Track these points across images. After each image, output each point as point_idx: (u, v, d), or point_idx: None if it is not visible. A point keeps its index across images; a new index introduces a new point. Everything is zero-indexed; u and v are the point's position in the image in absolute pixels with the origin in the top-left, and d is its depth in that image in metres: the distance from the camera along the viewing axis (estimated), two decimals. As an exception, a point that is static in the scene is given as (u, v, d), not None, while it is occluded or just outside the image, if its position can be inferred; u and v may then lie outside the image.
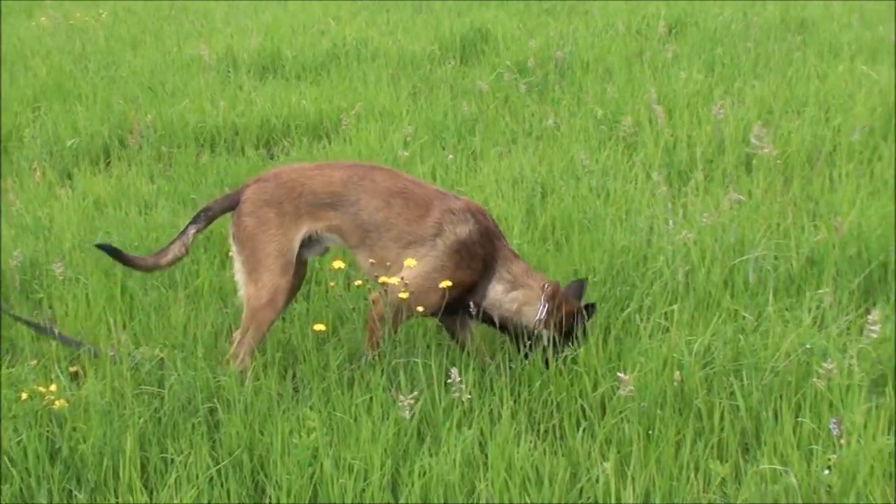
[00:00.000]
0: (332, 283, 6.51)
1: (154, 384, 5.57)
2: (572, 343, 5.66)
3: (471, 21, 13.84)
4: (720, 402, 5.06)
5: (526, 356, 5.64)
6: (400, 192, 5.78)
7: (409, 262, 5.63)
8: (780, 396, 5.07)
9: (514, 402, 5.26)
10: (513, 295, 5.78)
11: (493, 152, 9.09)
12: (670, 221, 7.03)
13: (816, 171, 7.85)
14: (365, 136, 9.55)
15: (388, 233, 5.72)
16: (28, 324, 6.12)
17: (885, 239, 6.49)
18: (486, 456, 4.85)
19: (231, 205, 5.88)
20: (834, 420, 4.67)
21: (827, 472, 4.46)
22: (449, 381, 5.21)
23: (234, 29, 14.68)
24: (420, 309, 5.66)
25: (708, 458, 4.78)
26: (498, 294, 5.79)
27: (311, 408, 5.20)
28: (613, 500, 4.53)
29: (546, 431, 5.22)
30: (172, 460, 4.96)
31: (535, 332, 5.70)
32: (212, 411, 5.31)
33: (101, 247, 6.07)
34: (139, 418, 5.19)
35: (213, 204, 5.99)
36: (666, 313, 5.86)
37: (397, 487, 4.81)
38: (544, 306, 5.72)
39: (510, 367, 5.63)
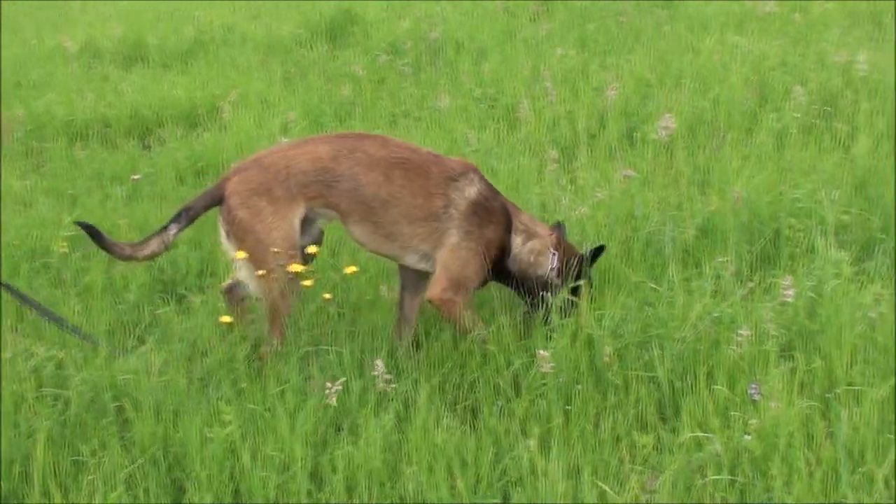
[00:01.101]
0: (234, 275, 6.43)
1: (55, 386, 5.41)
2: (579, 290, 5.71)
3: (337, 3, 13.75)
4: (635, 375, 5.12)
5: (544, 315, 5.65)
6: (398, 163, 5.69)
7: (311, 249, 5.61)
8: (694, 365, 5.14)
9: (429, 384, 5.26)
10: (530, 245, 5.82)
11: (375, 134, 9.06)
12: (564, 197, 7.07)
13: (713, 146, 7.95)
14: (243, 123, 9.45)
15: (395, 209, 5.65)
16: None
17: (773, 206, 6.60)
18: (408, 440, 4.84)
19: (213, 201, 5.71)
20: (753, 385, 4.75)
21: (747, 437, 4.53)
22: (374, 372, 5.19)
23: (94, 17, 14.44)
24: (471, 280, 5.68)
25: (631, 430, 4.83)
26: (518, 246, 5.82)
27: (222, 400, 5.12)
28: (539, 476, 4.55)
29: (464, 410, 5.23)
30: (85, 462, 4.86)
31: (549, 281, 5.76)
32: (120, 410, 5.19)
33: (81, 225, 5.79)
34: (46, 420, 5.05)
35: (193, 202, 5.78)
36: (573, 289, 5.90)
37: (320, 477, 4.78)
38: (554, 254, 5.79)
39: (418, 350, 5.62)
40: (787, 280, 5.40)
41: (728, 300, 5.52)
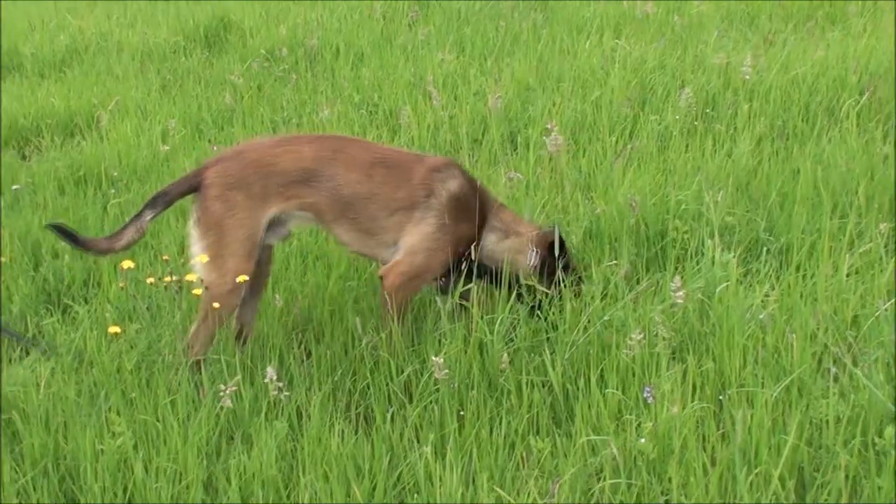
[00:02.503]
0: (121, 284, 6.30)
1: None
2: (560, 286, 5.70)
3: (213, 9, 13.63)
4: (528, 380, 5.09)
5: (532, 308, 5.66)
6: (378, 161, 5.69)
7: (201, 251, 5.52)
8: (587, 368, 5.13)
9: (321, 391, 5.19)
10: (506, 244, 5.82)
11: (256, 142, 8.96)
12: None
13: (581, 146, 7.99)
14: (122, 132, 9.30)
15: (372, 204, 5.62)
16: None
17: (658, 208, 6.62)
18: (302, 448, 4.79)
19: (190, 188, 5.62)
20: (648, 388, 4.75)
21: (642, 440, 4.52)
22: (265, 380, 5.10)
23: (-39, 27, 14.09)
24: (431, 273, 5.66)
25: (525, 435, 4.81)
26: (492, 244, 5.82)
27: (112, 411, 5.05)
28: (435, 483, 4.50)
29: (357, 417, 5.19)
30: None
31: (529, 279, 5.74)
32: (9, 422, 5.08)
33: (53, 227, 5.67)
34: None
35: (169, 188, 5.68)
36: (462, 293, 5.86)
37: (214, 487, 4.71)
38: (535, 252, 5.77)
39: (309, 357, 5.55)
40: (677, 282, 5.41)
41: (618, 303, 5.52)
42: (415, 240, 5.62)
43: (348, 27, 12.28)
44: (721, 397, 4.84)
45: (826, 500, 4.19)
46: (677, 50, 9.99)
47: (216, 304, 5.44)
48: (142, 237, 5.67)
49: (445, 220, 5.62)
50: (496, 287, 5.83)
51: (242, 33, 12.57)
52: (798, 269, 5.81)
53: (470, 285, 5.71)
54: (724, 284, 5.47)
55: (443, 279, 5.84)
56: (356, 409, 5.25)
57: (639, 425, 4.66)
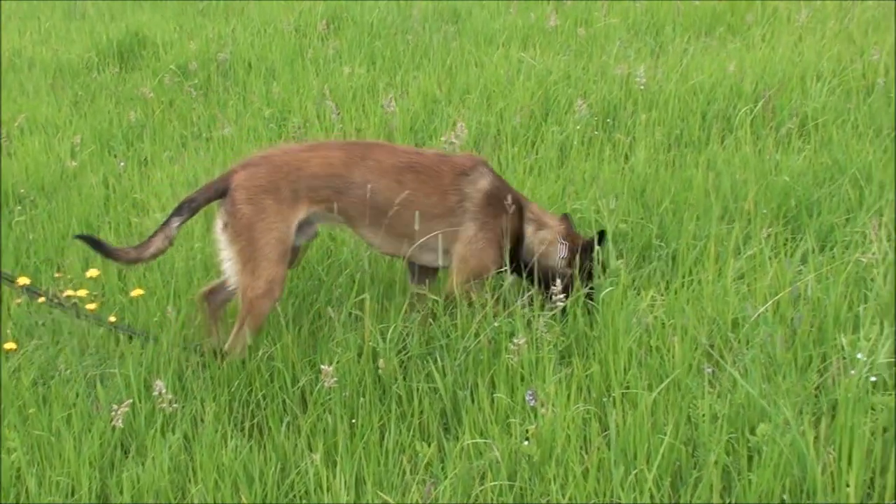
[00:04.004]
0: (17, 301, 6.33)
1: None
2: (589, 277, 5.84)
3: (126, 26, 13.63)
4: (418, 386, 5.20)
5: (555, 301, 5.66)
6: (408, 167, 5.76)
7: None
8: (476, 375, 5.25)
9: (216, 402, 5.26)
10: (541, 235, 5.95)
11: (165, 157, 9.02)
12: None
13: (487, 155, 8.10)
14: (29, 148, 9.30)
15: (406, 210, 5.69)
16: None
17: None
18: (194, 459, 4.85)
19: (217, 194, 5.65)
20: (530, 391, 4.86)
21: (526, 442, 4.64)
22: (155, 393, 5.16)
23: None
24: (488, 270, 5.81)
25: (413, 441, 4.91)
26: (530, 236, 5.94)
27: (6, 427, 5.08)
28: (325, 490, 4.59)
29: (251, 429, 5.25)
30: None
31: (560, 271, 5.86)
32: None
33: (81, 237, 5.77)
34: None
35: (196, 195, 5.69)
36: (356, 303, 5.95)
37: (107, 500, 4.76)
38: (563, 244, 5.90)
39: (207, 370, 5.61)
40: (557, 285, 5.55)
41: (508, 309, 5.64)
42: (461, 247, 5.78)
43: (261, 41, 12.33)
44: (605, 399, 4.97)
45: (699, 495, 4.32)
46: (582, 61, 10.14)
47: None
48: (170, 245, 5.70)
49: (484, 218, 5.77)
50: (535, 284, 5.97)
51: (156, 48, 12.58)
52: (687, 274, 5.96)
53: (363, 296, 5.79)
54: (610, 289, 5.60)
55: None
56: (252, 419, 5.31)
57: (525, 429, 4.76)
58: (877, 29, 10.18)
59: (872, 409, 4.55)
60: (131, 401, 5.11)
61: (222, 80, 11.18)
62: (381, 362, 5.32)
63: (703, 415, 4.63)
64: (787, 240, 6.37)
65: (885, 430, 4.43)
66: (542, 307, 5.62)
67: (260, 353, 5.55)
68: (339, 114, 9.20)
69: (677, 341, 5.10)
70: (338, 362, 5.29)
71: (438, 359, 5.36)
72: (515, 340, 5.17)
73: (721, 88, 8.76)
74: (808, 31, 10.32)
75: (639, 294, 5.78)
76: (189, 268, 6.66)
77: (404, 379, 5.31)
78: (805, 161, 7.35)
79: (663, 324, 5.42)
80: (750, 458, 4.46)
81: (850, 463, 4.22)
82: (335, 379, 5.10)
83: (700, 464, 4.48)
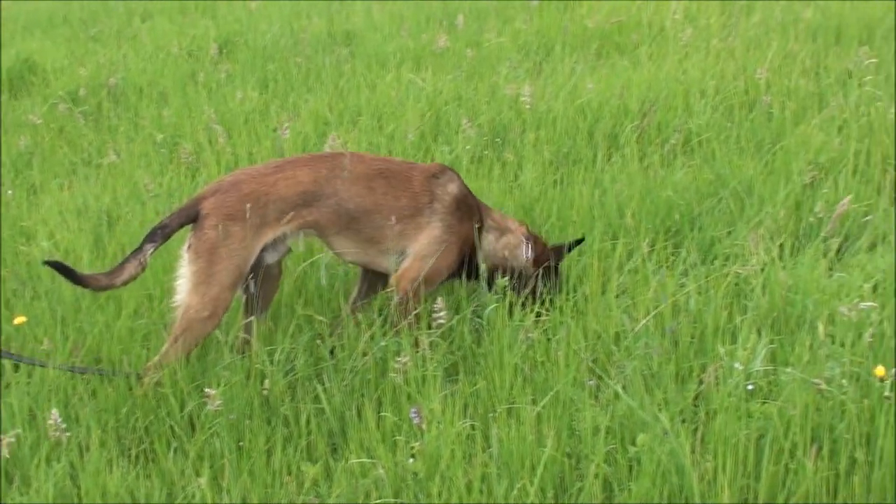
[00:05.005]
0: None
1: None
2: (551, 279, 6.01)
3: (16, 52, 13.50)
4: (305, 407, 5.22)
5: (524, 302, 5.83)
6: (378, 173, 5.85)
7: None
8: (363, 395, 5.29)
9: (103, 430, 5.24)
10: (504, 241, 6.08)
11: (54, 184, 8.96)
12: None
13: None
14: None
15: (377, 214, 5.77)
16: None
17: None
18: (79, 488, 4.83)
19: (189, 219, 5.64)
20: (414, 409, 4.90)
21: (412, 460, 4.68)
22: (49, 422, 5.12)
23: None
24: (441, 275, 5.87)
25: (299, 461, 4.93)
26: (491, 243, 6.05)
27: None
28: (211, 514, 4.60)
29: (138, 456, 5.23)
30: None
31: (525, 272, 5.99)
32: None
33: (50, 264, 5.60)
34: None
35: (168, 220, 5.65)
36: (243, 326, 5.95)
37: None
38: (527, 244, 6.01)
39: (94, 398, 5.58)
40: (439, 303, 5.62)
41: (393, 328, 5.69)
42: (423, 244, 5.83)
43: (153, 67, 12.28)
44: (491, 415, 5.03)
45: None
46: (473, 82, 10.23)
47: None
48: (143, 271, 5.64)
49: (451, 221, 5.86)
50: (513, 290, 5.99)
51: (46, 74, 12.49)
52: (571, 290, 6.05)
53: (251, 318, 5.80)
54: (494, 306, 5.68)
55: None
56: (139, 445, 5.30)
57: (411, 446, 4.81)
58: (758, 46, 10.38)
59: (749, 416, 4.66)
60: (18, 432, 5.07)
61: (113, 105, 11.11)
62: (266, 383, 5.33)
63: (586, 427, 4.70)
64: (670, 254, 6.48)
65: (760, 436, 4.54)
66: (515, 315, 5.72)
67: (146, 379, 5.53)
68: (228, 138, 9.19)
69: (561, 356, 5.18)
70: (224, 385, 5.30)
71: (326, 380, 5.39)
72: (399, 359, 5.22)
73: (608, 107, 8.88)
74: (693, 50, 10.49)
75: (524, 310, 5.85)
76: (77, 296, 6.60)
77: (292, 400, 5.34)
78: (689, 176, 7.49)
79: (549, 339, 5.50)
80: (630, 468, 4.55)
81: (724, 470, 4.32)
82: (220, 402, 5.11)
83: (582, 474, 4.56)
